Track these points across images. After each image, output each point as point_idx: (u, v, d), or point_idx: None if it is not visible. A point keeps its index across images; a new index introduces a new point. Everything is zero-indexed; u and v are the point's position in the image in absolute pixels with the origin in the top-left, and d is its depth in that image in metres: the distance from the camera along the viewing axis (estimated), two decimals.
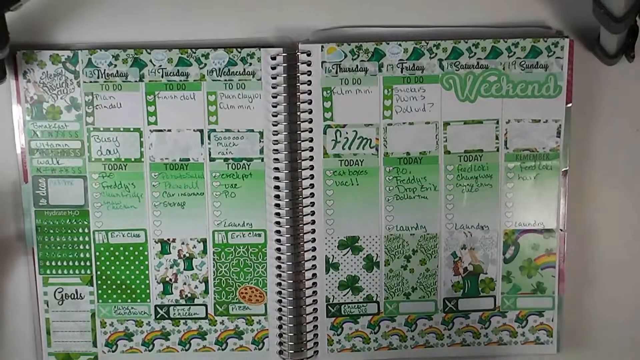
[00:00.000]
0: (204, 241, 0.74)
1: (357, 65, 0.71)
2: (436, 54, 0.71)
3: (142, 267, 0.75)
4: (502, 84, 0.72)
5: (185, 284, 0.75)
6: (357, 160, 0.73)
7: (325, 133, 0.72)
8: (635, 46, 0.71)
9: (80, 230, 0.74)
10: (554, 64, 0.72)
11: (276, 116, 0.72)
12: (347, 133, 0.72)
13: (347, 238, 0.74)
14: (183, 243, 0.74)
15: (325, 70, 0.71)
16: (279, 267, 0.74)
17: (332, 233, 0.74)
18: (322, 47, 0.71)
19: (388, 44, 0.71)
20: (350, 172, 0.73)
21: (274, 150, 0.73)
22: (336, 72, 0.71)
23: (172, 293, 0.75)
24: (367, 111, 0.72)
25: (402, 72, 0.72)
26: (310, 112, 0.72)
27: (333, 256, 0.74)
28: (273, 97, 0.72)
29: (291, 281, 0.74)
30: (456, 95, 0.72)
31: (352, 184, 0.73)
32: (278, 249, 0.74)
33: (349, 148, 0.73)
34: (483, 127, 0.73)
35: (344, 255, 0.74)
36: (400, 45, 0.71)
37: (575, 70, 0.72)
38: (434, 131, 0.73)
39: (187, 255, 0.74)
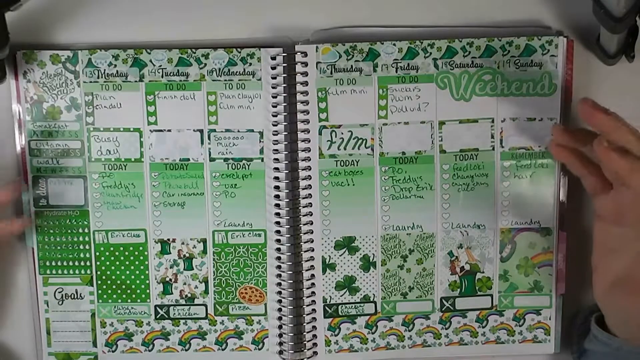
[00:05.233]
0: (204, 241, 0.75)
1: (351, 66, 0.71)
2: (430, 53, 0.71)
3: (142, 267, 0.75)
4: (497, 83, 0.72)
5: (185, 284, 0.75)
6: (352, 160, 0.73)
7: (320, 134, 0.72)
8: (635, 46, 0.70)
9: (80, 230, 0.74)
10: (548, 62, 0.71)
11: (276, 116, 0.72)
12: (342, 133, 0.72)
13: (343, 238, 0.74)
14: (183, 243, 0.75)
15: (320, 71, 0.71)
16: (278, 267, 0.75)
17: (328, 234, 0.74)
18: (317, 47, 0.71)
19: (382, 43, 0.71)
20: (346, 173, 0.73)
21: (273, 150, 0.73)
22: (331, 73, 0.71)
23: (172, 293, 0.75)
24: (362, 111, 0.72)
25: (396, 71, 0.72)
26: (307, 112, 0.72)
27: (330, 256, 0.74)
28: (273, 97, 0.72)
29: (291, 281, 0.74)
30: (451, 94, 0.72)
31: (348, 185, 0.73)
32: (278, 249, 0.74)
33: (345, 148, 0.73)
34: (478, 126, 0.72)
35: (340, 255, 0.74)
36: (394, 44, 0.71)
37: (575, 70, 0.72)
38: (429, 130, 0.72)
39: (187, 255, 0.75)
